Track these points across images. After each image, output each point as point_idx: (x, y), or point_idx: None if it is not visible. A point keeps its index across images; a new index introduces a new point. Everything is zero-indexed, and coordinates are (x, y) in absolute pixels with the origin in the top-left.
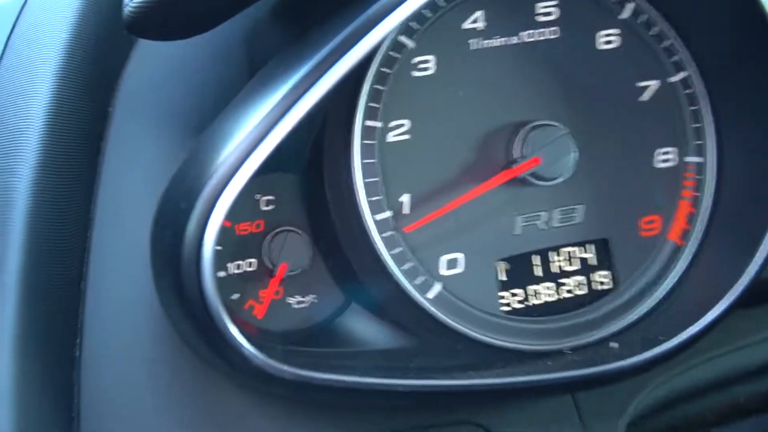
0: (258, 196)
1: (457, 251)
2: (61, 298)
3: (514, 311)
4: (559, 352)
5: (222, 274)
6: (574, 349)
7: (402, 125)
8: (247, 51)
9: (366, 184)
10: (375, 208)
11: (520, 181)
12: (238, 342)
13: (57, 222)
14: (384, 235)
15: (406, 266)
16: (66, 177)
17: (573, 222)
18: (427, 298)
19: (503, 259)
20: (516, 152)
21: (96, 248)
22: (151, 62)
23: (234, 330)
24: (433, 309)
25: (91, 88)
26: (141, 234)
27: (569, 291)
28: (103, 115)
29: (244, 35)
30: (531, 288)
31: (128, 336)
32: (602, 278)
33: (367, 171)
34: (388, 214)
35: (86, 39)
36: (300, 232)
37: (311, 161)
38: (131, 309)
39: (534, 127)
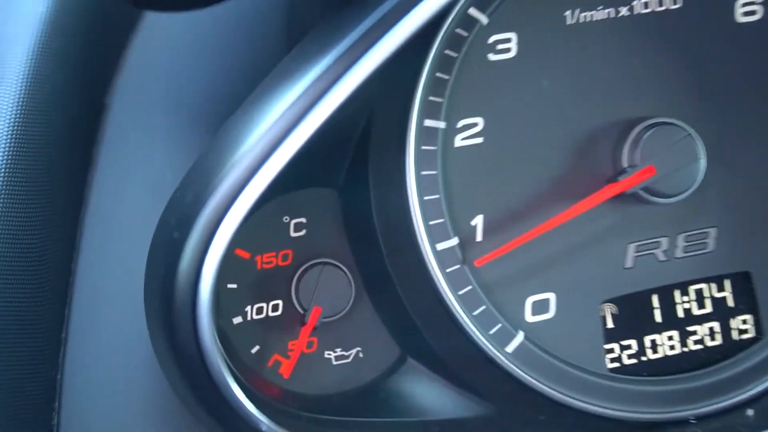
0: (286, 219)
1: (547, 291)
2: (37, 342)
3: (624, 369)
4: (680, 423)
5: (238, 320)
6: (701, 419)
7: (473, 125)
8: (280, 26)
9: (424, 203)
10: (437, 235)
11: (631, 198)
12: (246, 411)
13: (33, 255)
14: (449, 270)
15: (479, 311)
16: (44, 190)
17: (703, 251)
18: (506, 352)
19: (610, 301)
20: (625, 160)
21: (80, 283)
22: (158, 42)
23: (239, 394)
24: (513, 366)
25: (82, 72)
26: (136, 265)
27: (699, 342)
28: (96, 109)
29: (275, 4)
30: (648, 338)
31: (115, 393)
32: (742, 324)
33: (426, 186)
34: (454, 242)
35: (74, 13)
36: (339, 265)
37: (353, 173)
38: (120, 361)
39: (648, 127)
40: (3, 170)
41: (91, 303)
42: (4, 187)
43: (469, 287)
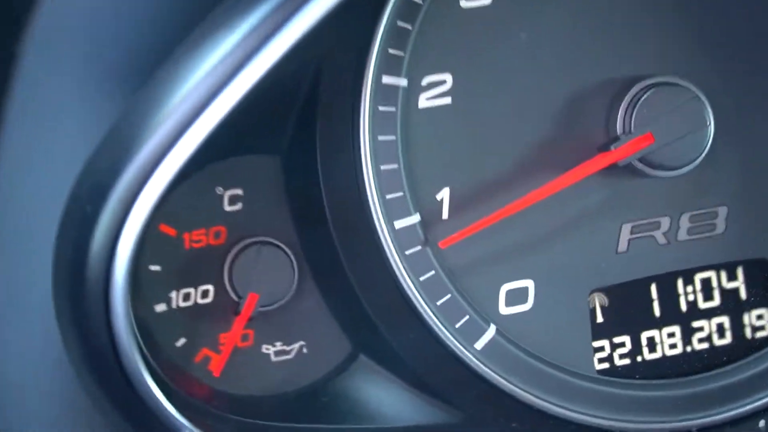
0: (219, 191)
1: (525, 278)
2: None
3: (615, 370)
4: None
5: (162, 308)
6: (705, 430)
7: (440, 83)
8: None
9: (381, 174)
10: (395, 211)
11: (625, 171)
12: (166, 413)
13: None
14: (409, 252)
15: (443, 300)
16: None
17: (711, 233)
18: (475, 349)
19: (599, 291)
20: (619, 126)
21: None
22: None
23: (157, 394)
24: (482, 366)
25: None
26: (45, 245)
27: (704, 340)
28: (2, 60)
29: None
30: (644, 335)
31: (25, 388)
32: (757, 320)
33: (383, 153)
34: (415, 219)
35: None
36: (280, 245)
37: (298, 138)
38: (28, 354)
39: (647, 88)
40: None
41: None
42: None
43: (432, 272)
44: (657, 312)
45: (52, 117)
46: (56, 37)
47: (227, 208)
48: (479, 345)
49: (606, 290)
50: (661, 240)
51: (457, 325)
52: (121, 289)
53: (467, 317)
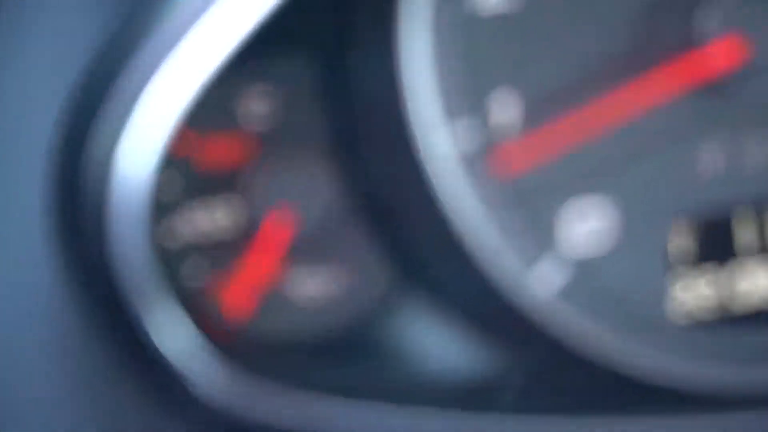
0: (244, 96)
1: (599, 204)
2: None
3: (699, 314)
4: None
5: (171, 234)
6: None
7: None
8: None
9: (435, 75)
10: (444, 115)
11: (712, 85)
12: (180, 366)
13: None
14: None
15: (500, 228)
16: None
17: None
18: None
19: (682, 219)
20: (703, 26)
21: None
22: None
23: (175, 340)
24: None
25: None
26: (37, 159)
27: None
28: None
29: None
30: (732, 270)
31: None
32: None
33: (438, 51)
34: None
35: None
36: (315, 159)
37: (338, 36)
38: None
39: None
40: None
41: None
42: None
43: (493, 196)
44: (751, 243)
45: (46, 13)
46: None
47: (255, 116)
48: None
49: (690, 219)
50: (754, 161)
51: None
52: (141, 207)
53: (529, 248)
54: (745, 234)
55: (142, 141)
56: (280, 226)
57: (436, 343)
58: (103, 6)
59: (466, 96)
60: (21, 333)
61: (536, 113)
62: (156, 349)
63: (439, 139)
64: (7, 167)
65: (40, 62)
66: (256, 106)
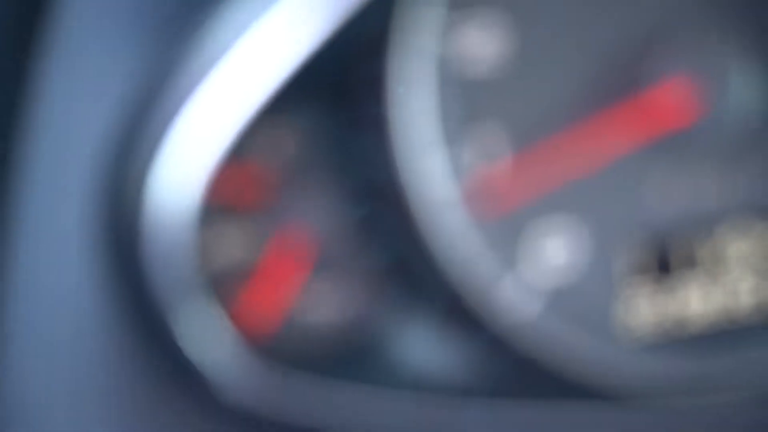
0: (273, 132)
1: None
2: None
3: (649, 336)
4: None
5: (200, 252)
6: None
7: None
8: None
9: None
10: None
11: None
12: (208, 374)
13: None
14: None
15: (469, 251)
16: None
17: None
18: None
19: (633, 244)
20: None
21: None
22: None
23: (201, 350)
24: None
25: None
26: (80, 187)
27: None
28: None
29: None
30: (680, 295)
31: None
32: None
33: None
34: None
35: None
36: (332, 188)
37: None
38: (64, 302)
39: (688, 30)
40: None
41: (29, 229)
42: None
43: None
44: (697, 269)
45: (91, 63)
46: None
47: (280, 150)
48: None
49: (641, 245)
50: (711, 194)
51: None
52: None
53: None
54: (688, 259)
55: (181, 168)
56: (297, 247)
57: (425, 348)
58: (140, 46)
59: (448, 137)
60: (66, 340)
61: (510, 147)
62: (192, 355)
63: (426, 171)
64: (57, 181)
65: (83, 96)
66: (280, 141)
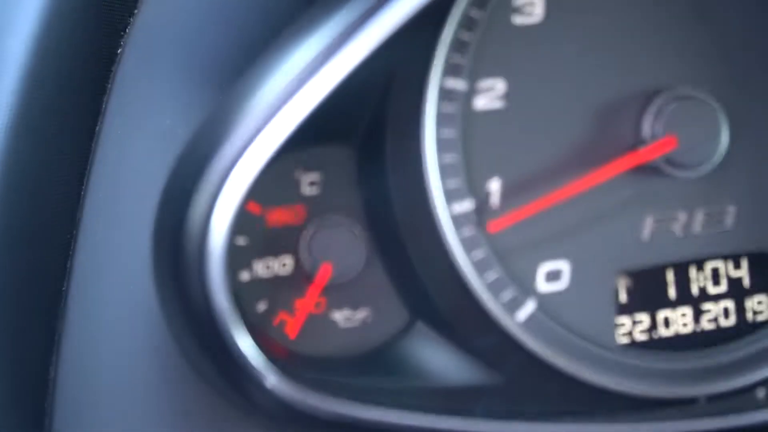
0: (300, 175)
1: (561, 259)
2: (36, 299)
3: (635, 344)
4: (689, 402)
5: (245, 276)
6: (712, 399)
7: (494, 88)
8: None
9: (442, 165)
10: (452, 197)
11: (651, 170)
12: (257, 367)
13: (35, 204)
14: (463, 233)
15: (491, 277)
16: (50, 136)
17: (721, 228)
18: (517, 320)
19: (625, 274)
20: (646, 130)
21: (85, 235)
22: None
23: (251, 350)
24: (522, 335)
25: (94, 21)
26: (143, 218)
27: (712, 320)
28: (107, 58)
29: None
30: (661, 314)
31: (118, 348)
32: (758, 305)
33: (443, 146)
34: (469, 205)
35: None
36: (352, 225)
37: (371, 131)
38: (124, 315)
39: (672, 99)
40: (10, 116)
41: (95, 255)
42: (10, 133)
43: (483, 252)
44: (672, 295)
45: (151, 109)
46: (154, 39)
47: (305, 190)
48: (521, 316)
49: (630, 274)
50: (679, 232)
51: (502, 299)
52: (219, 254)
53: (513, 293)
54: (670, 286)
55: (222, 210)
56: (322, 273)
57: (436, 361)
58: (189, 114)
59: (462, 187)
60: (131, 354)
61: (515, 192)
62: (239, 357)
63: (447, 214)
64: (119, 234)
65: (142, 151)
66: (308, 182)
